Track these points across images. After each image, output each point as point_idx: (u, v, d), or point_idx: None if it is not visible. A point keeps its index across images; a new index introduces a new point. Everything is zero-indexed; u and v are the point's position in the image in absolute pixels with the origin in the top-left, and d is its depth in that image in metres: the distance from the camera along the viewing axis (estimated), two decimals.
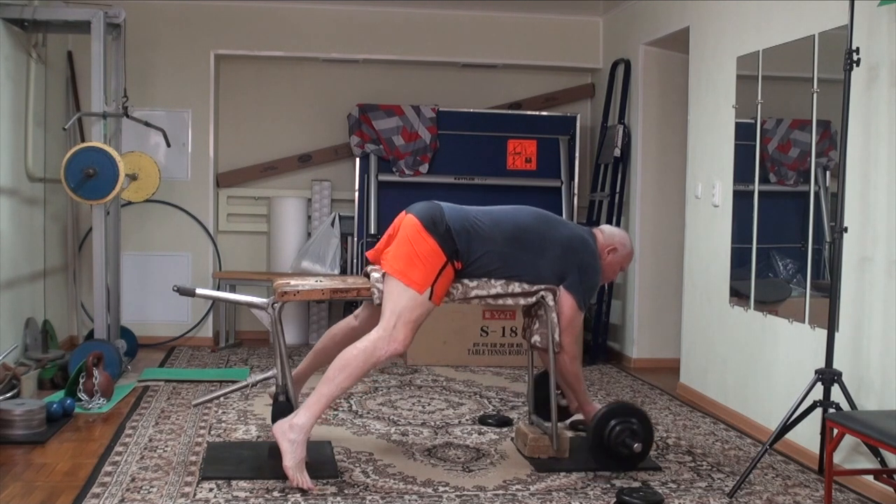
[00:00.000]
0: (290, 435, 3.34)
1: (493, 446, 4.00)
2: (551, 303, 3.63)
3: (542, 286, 3.64)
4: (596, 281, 3.77)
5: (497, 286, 3.61)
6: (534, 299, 3.65)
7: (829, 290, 3.55)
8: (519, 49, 6.74)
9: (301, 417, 3.37)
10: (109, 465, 3.56)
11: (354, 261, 6.41)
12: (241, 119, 6.72)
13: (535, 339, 3.79)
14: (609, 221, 6.08)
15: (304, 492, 3.30)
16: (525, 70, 6.93)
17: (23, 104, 5.34)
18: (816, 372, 3.46)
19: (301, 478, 3.31)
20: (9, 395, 4.33)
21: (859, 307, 3.59)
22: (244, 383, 3.87)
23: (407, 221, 3.54)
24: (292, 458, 3.32)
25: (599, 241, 3.83)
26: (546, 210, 3.85)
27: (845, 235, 3.45)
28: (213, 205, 6.55)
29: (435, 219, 3.50)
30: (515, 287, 3.62)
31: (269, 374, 3.65)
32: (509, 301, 3.65)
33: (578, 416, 4.03)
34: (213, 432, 4.10)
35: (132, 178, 5.66)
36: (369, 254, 3.73)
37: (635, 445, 3.60)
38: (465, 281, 3.58)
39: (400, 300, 3.43)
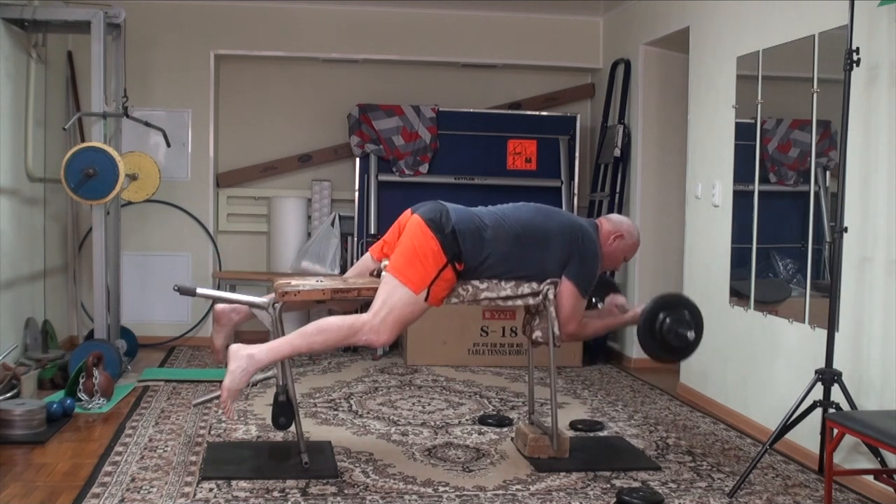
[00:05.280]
0: (243, 363, 3.36)
1: (493, 446, 4.00)
2: (552, 296, 3.64)
3: (548, 281, 3.64)
4: (595, 267, 3.74)
5: (507, 288, 3.61)
6: (541, 297, 3.66)
7: (829, 290, 3.55)
8: (519, 49, 6.74)
9: (262, 354, 3.39)
10: (109, 465, 3.56)
11: (354, 261, 6.37)
12: (241, 119, 6.72)
13: (537, 334, 3.79)
14: None
15: (304, 491, 3.31)
16: (525, 70, 6.93)
17: (23, 104, 5.34)
18: (816, 372, 3.46)
19: (231, 405, 3.36)
20: (9, 395, 4.33)
21: (859, 307, 3.59)
22: None
23: (412, 221, 3.54)
24: (231, 381, 3.34)
25: (605, 228, 3.83)
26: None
27: (845, 235, 3.45)
28: (213, 205, 6.55)
29: (440, 220, 3.51)
30: (525, 288, 3.62)
31: (269, 374, 3.65)
32: (518, 302, 3.65)
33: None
34: (213, 432, 4.10)
35: (132, 178, 5.66)
36: (372, 250, 3.75)
37: (689, 333, 3.62)
38: (475, 283, 3.59)
39: (393, 295, 3.44)
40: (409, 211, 3.63)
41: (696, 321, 3.74)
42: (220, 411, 3.47)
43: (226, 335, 3.84)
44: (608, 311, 3.94)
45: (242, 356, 3.37)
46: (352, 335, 3.42)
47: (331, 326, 3.42)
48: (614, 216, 3.96)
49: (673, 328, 3.65)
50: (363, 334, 3.42)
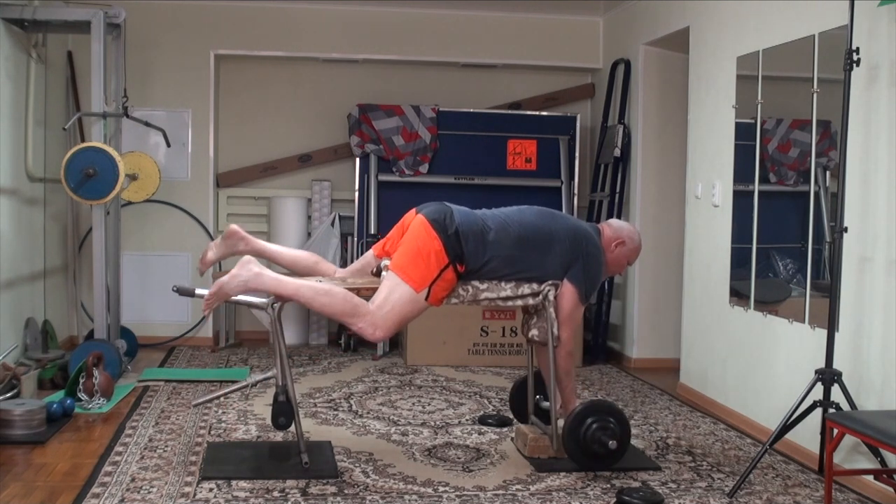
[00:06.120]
0: (246, 275, 3.39)
1: (493, 446, 4.00)
2: (552, 297, 3.64)
3: (549, 282, 3.64)
4: (599, 273, 3.76)
5: (507, 289, 3.61)
6: (541, 297, 3.66)
7: (829, 290, 3.55)
8: (519, 49, 6.74)
9: (268, 278, 3.40)
10: (109, 465, 3.56)
11: (354, 261, 6.39)
12: (241, 119, 6.72)
13: (533, 332, 3.80)
14: None
15: (304, 491, 3.31)
16: (525, 70, 6.93)
17: (23, 104, 5.34)
18: (816, 372, 3.46)
19: (212, 303, 3.44)
20: (9, 395, 4.33)
21: (859, 307, 3.59)
22: (244, 383, 3.86)
23: (416, 221, 3.55)
24: (227, 284, 3.39)
25: (607, 234, 3.84)
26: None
27: (845, 235, 3.45)
28: (213, 205, 6.55)
29: (444, 220, 3.51)
30: (525, 289, 3.63)
31: (269, 374, 3.64)
32: (518, 302, 3.66)
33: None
34: (213, 432, 4.10)
35: (132, 178, 5.66)
36: (375, 248, 3.75)
37: (610, 443, 3.60)
38: (475, 283, 3.59)
39: (395, 292, 3.45)
40: (413, 210, 3.64)
41: (623, 431, 3.66)
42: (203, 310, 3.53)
43: (221, 253, 3.92)
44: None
45: (251, 269, 3.39)
46: (352, 316, 3.41)
47: (340, 296, 3.41)
48: (614, 221, 3.97)
49: (597, 435, 3.60)
50: (363, 322, 3.42)
